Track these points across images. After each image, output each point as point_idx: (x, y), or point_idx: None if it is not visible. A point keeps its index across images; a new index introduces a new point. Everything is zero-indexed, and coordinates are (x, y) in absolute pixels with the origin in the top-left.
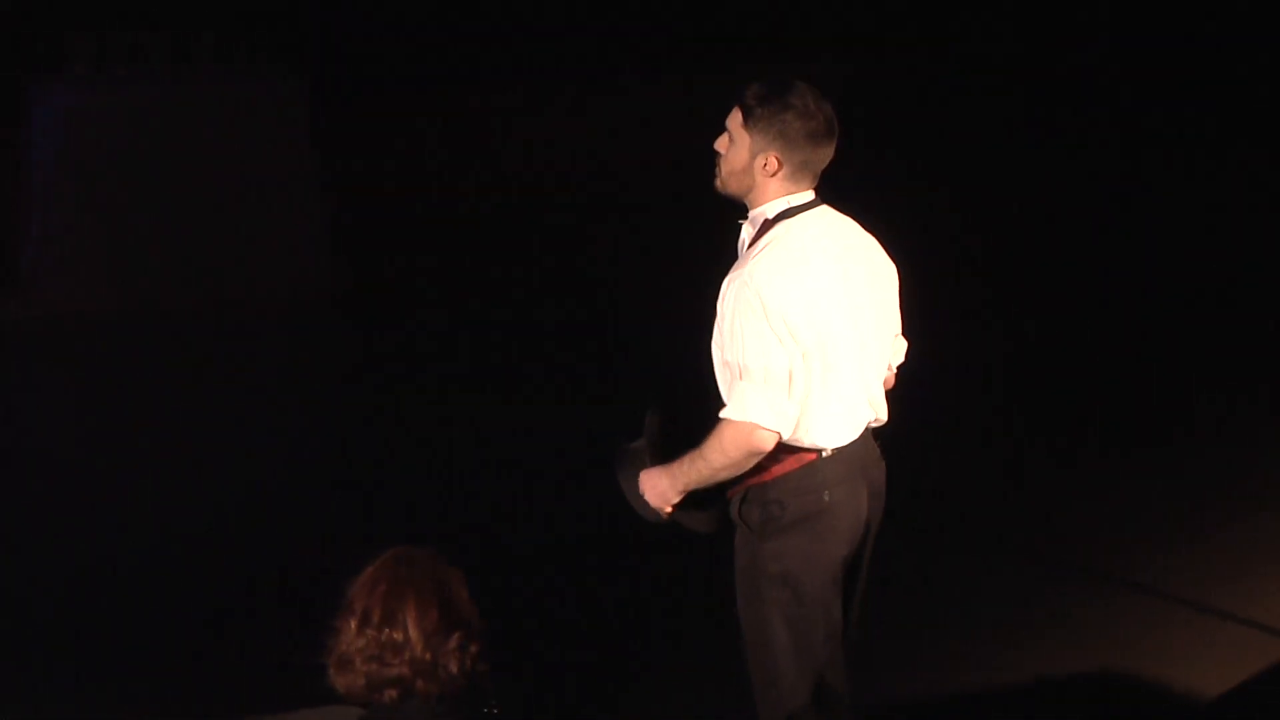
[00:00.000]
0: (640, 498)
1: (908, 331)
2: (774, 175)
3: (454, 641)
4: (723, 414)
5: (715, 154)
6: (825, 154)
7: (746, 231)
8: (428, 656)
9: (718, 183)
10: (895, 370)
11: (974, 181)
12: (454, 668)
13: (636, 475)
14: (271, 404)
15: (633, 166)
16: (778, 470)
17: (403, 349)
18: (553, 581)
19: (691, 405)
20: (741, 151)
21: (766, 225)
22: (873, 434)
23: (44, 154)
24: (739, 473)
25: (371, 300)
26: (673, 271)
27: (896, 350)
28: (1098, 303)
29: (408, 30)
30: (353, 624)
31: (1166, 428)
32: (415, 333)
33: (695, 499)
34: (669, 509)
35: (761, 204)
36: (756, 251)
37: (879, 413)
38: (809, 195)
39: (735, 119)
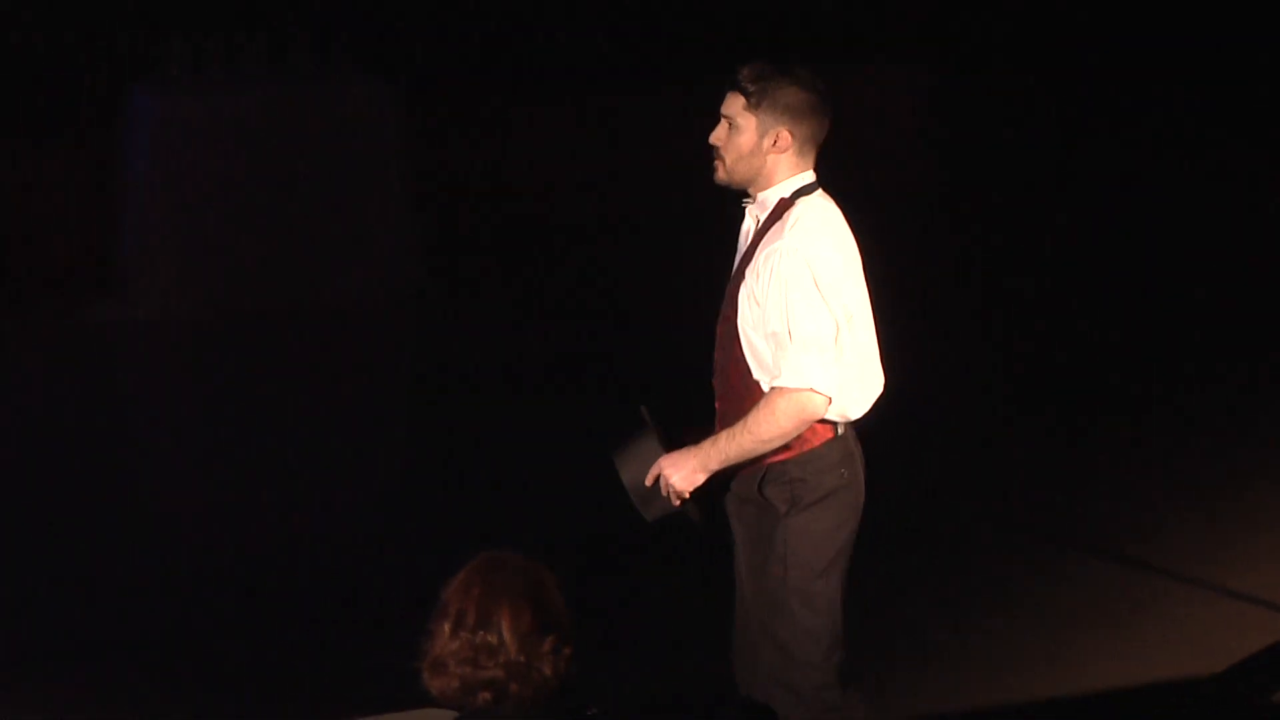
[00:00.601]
0: (645, 491)
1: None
2: (784, 152)
3: (548, 644)
4: (777, 383)
5: (713, 148)
6: (825, 127)
7: (753, 216)
8: (522, 659)
9: (720, 175)
10: None
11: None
12: (548, 670)
13: (644, 467)
14: (363, 407)
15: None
16: (800, 447)
17: (492, 352)
18: (644, 582)
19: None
20: (749, 134)
21: (784, 204)
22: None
23: (139, 157)
24: (782, 443)
25: (464, 304)
26: None
27: None
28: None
29: (504, 34)
30: (447, 627)
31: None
32: (505, 336)
33: (697, 489)
34: (686, 496)
35: (773, 184)
36: (790, 224)
37: (881, 385)
38: (813, 175)
39: (735, 104)
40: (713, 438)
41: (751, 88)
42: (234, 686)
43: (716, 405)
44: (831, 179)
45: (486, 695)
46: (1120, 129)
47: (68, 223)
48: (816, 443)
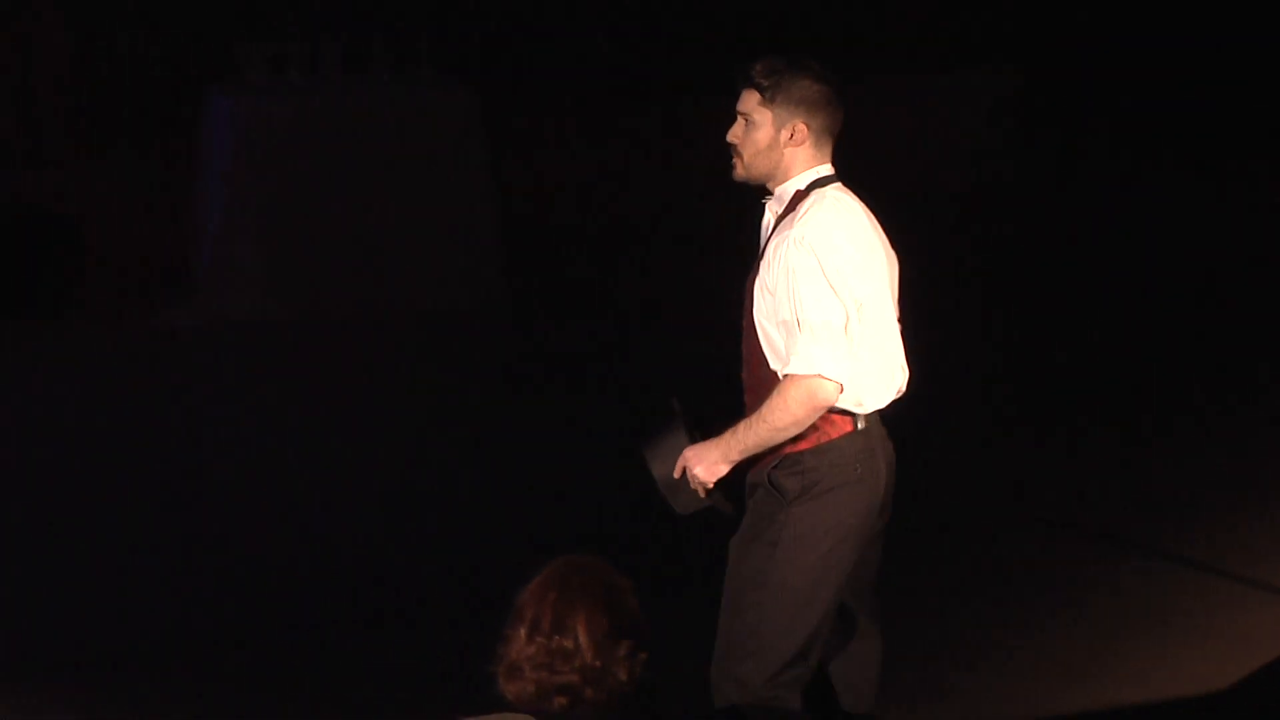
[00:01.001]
0: (674, 484)
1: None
2: (801, 145)
3: (623, 649)
4: (786, 370)
5: (730, 145)
6: (840, 119)
7: (772, 210)
8: (597, 664)
9: (739, 171)
10: None
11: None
12: (623, 675)
13: (672, 460)
14: (439, 411)
15: None
16: (815, 438)
17: (571, 357)
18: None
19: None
20: (765, 129)
21: (800, 196)
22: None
23: (218, 161)
24: (797, 431)
25: (541, 309)
26: None
27: None
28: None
29: (583, 40)
30: (522, 631)
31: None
32: (583, 342)
33: (723, 481)
34: (710, 487)
35: (790, 178)
36: (801, 214)
37: (904, 381)
38: (831, 169)
39: (750, 100)
40: (733, 428)
41: (766, 82)
42: (312, 687)
43: (745, 398)
44: (915, 182)
45: (562, 700)
46: (1193, 129)
47: (147, 227)
48: (834, 435)
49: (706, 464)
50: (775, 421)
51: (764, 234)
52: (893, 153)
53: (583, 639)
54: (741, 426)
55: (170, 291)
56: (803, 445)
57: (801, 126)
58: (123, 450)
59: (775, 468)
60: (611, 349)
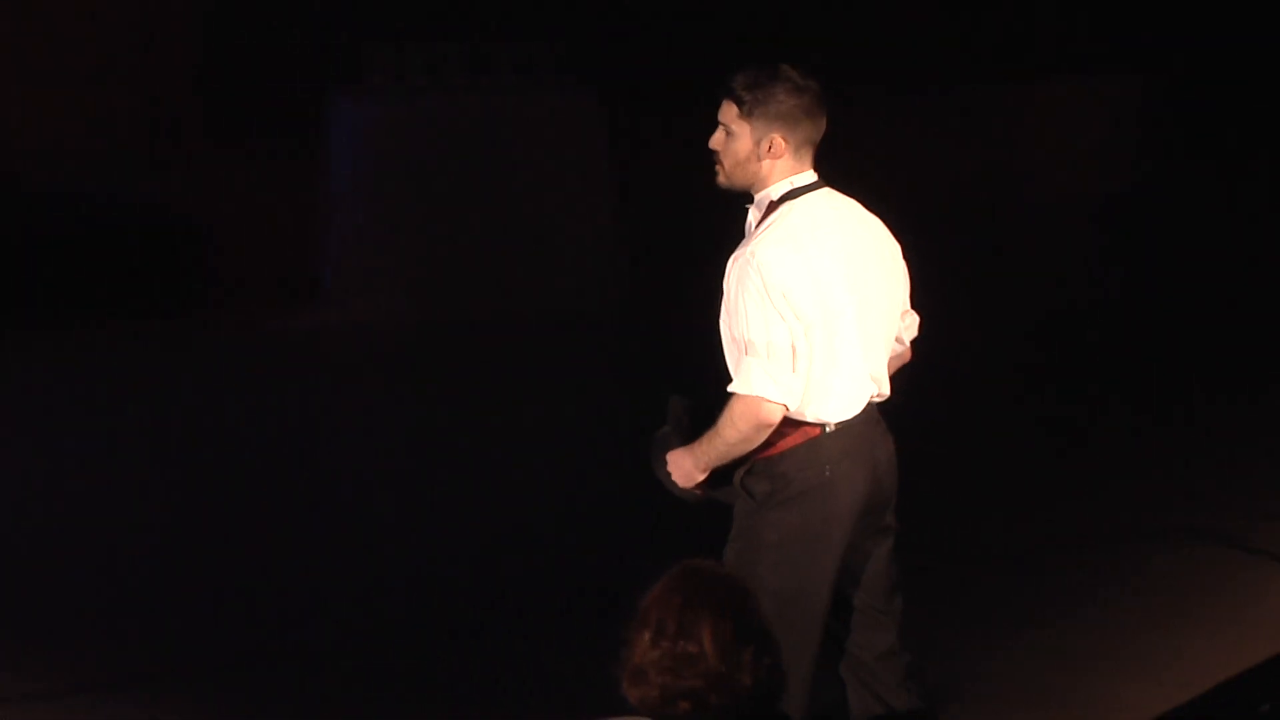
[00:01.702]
0: (671, 480)
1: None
2: (779, 157)
3: (748, 654)
4: (730, 388)
5: (713, 152)
6: (821, 127)
7: (753, 215)
8: (722, 669)
9: (721, 179)
10: (909, 344)
11: None
12: (747, 680)
13: (663, 462)
14: (562, 412)
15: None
16: (783, 445)
17: (693, 360)
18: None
19: (715, 389)
20: (744, 141)
21: (772, 206)
22: (877, 409)
23: (343, 165)
24: (751, 447)
25: (665, 311)
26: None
27: (908, 326)
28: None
29: (704, 40)
30: (646, 636)
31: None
32: (705, 343)
33: (721, 474)
34: (698, 488)
35: (768, 187)
36: (760, 231)
37: (882, 388)
38: (811, 176)
39: (729, 112)
40: (700, 438)
41: (744, 96)
42: (436, 688)
43: None
44: (1037, 186)
45: (685, 705)
46: None
47: (276, 230)
48: (800, 440)
49: (683, 471)
50: (726, 437)
51: (746, 235)
52: (1024, 159)
53: (708, 644)
54: (705, 440)
55: (298, 294)
56: (770, 451)
57: (779, 140)
58: (252, 450)
59: (748, 473)
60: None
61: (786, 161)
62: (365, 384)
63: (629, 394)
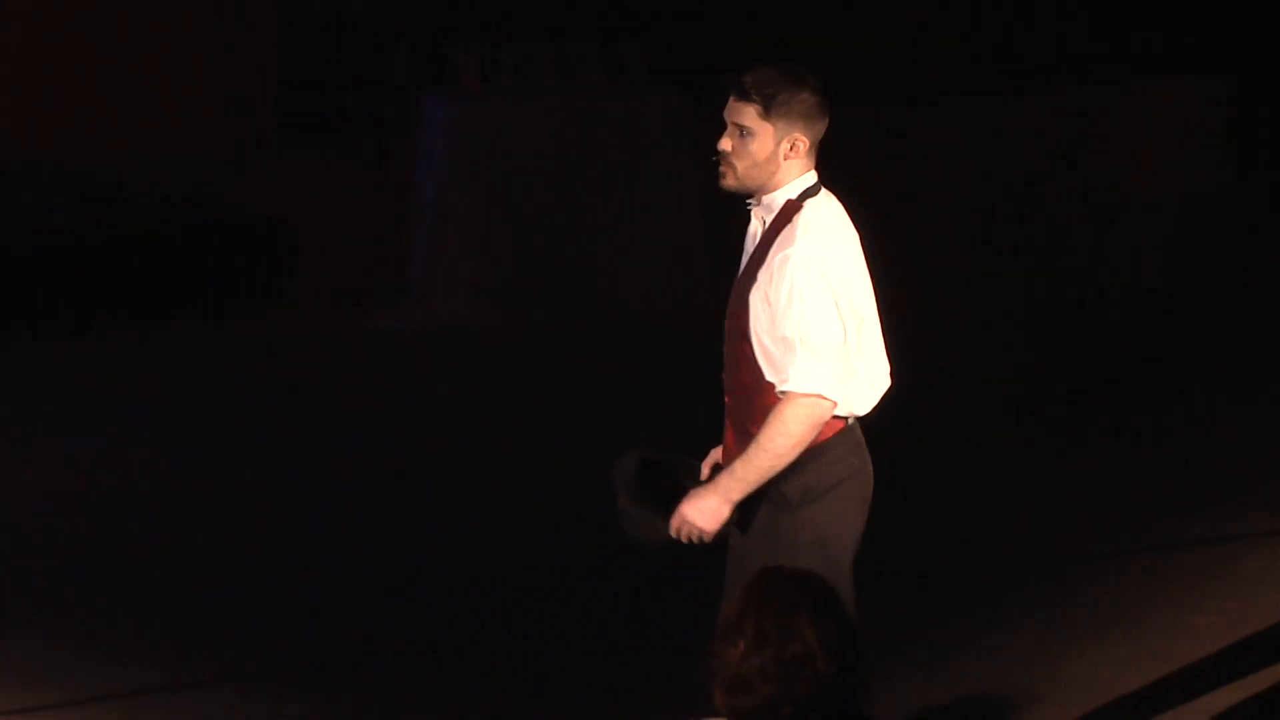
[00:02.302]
0: (636, 520)
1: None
2: (799, 158)
3: (852, 653)
4: (785, 388)
5: (720, 154)
6: (827, 126)
7: (759, 218)
8: (827, 670)
9: (729, 180)
10: None
11: None
12: (850, 679)
13: (650, 526)
14: (646, 414)
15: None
16: (811, 443)
17: None
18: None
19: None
20: (765, 141)
21: (791, 206)
22: None
23: (432, 166)
24: (800, 452)
25: None
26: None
27: None
28: None
29: (794, 43)
30: (742, 645)
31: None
32: None
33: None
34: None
35: (781, 187)
36: (800, 230)
37: (888, 380)
38: (815, 175)
39: (750, 113)
40: (728, 469)
41: (765, 96)
42: (546, 687)
43: (726, 400)
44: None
45: (788, 710)
46: None
47: (361, 230)
48: (828, 434)
49: (707, 515)
50: (777, 448)
51: (749, 242)
52: (1107, 160)
53: (815, 646)
54: (739, 464)
55: (384, 294)
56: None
57: (801, 139)
58: (334, 451)
59: (779, 475)
60: None
61: (800, 161)
62: (449, 383)
63: (706, 393)
